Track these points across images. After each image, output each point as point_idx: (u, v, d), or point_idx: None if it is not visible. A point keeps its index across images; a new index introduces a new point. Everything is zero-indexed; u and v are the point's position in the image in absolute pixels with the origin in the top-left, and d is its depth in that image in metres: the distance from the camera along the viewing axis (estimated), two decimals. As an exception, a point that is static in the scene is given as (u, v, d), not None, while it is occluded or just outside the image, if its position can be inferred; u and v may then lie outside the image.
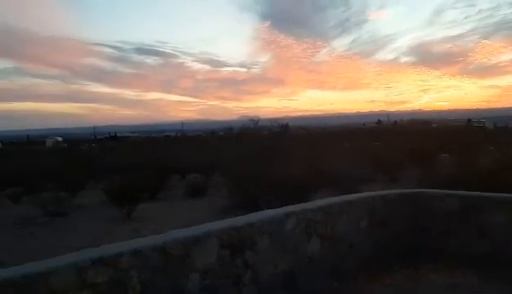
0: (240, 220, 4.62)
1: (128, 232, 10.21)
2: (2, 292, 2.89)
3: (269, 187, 11.32)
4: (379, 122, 53.56)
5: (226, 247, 4.19)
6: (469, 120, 53.87)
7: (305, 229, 5.12)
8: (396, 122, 48.96)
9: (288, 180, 11.32)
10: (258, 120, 27.10)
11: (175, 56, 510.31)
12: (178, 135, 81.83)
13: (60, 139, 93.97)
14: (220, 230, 4.22)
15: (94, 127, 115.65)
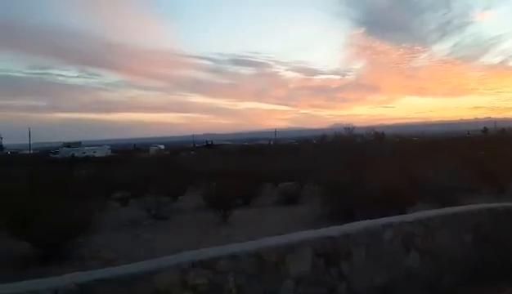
0: (335, 230, 4.57)
1: (224, 236, 10.54)
2: (111, 289, 3.16)
3: (364, 197, 11.01)
4: (485, 129, 49.74)
5: (321, 256, 4.16)
6: None
7: (403, 242, 4.91)
8: (504, 129, 44.94)
9: (384, 191, 10.93)
10: (353, 128, 26.55)
11: (268, 66, 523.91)
12: (271, 143, 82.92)
13: (162, 147, 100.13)
14: (314, 239, 4.21)
15: (193, 136, 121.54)
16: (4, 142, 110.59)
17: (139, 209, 14.07)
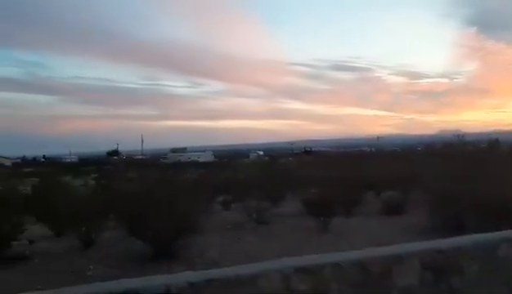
0: (445, 242, 4.31)
1: (325, 244, 10.48)
2: (218, 289, 3.32)
3: (476, 208, 10.24)
4: None
5: (429, 269, 3.96)
6: None
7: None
8: None
9: (499, 202, 10.07)
10: (463, 135, 24.81)
11: (370, 70, 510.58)
12: (373, 150, 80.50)
13: (261, 153, 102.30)
14: (422, 251, 4.01)
15: (292, 142, 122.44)
16: (119, 148, 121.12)
17: (241, 213, 14.52)
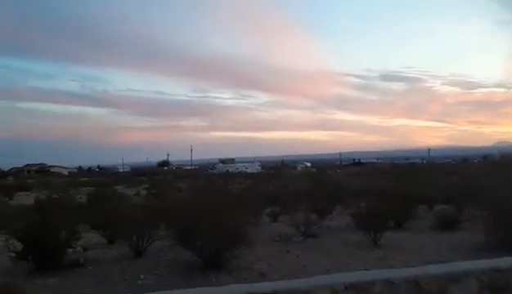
0: (505, 261, 4.11)
1: (375, 259, 10.22)
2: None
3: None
4: None
5: (487, 288, 3.78)
6: None
7: None
8: None
9: None
10: (522, 146, 23.63)
11: (422, 80, 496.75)
12: (424, 162, 78.06)
13: (308, 164, 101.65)
14: (480, 270, 3.85)
15: (340, 154, 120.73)
16: (169, 158, 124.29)
17: (288, 225, 14.43)
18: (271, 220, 18.72)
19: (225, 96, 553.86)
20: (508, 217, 10.86)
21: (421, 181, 26.31)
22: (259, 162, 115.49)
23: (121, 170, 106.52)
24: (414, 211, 17.55)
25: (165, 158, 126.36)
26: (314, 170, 70.41)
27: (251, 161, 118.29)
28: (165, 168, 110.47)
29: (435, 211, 17.91)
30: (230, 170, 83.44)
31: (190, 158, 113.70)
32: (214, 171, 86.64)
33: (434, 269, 3.82)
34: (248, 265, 9.73)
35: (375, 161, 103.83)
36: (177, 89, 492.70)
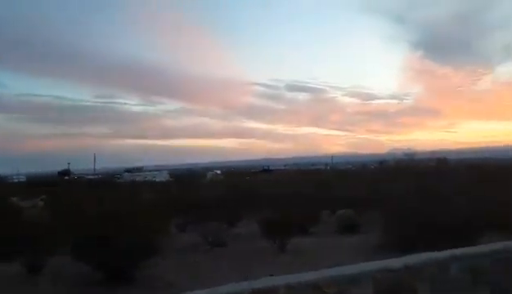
0: (397, 261, 4.38)
1: (282, 265, 10.44)
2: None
3: (428, 226, 10.55)
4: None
5: (382, 290, 4.00)
6: None
7: (472, 277, 4.62)
8: None
9: (449, 220, 10.42)
10: (413, 153, 25.78)
11: (325, 91, 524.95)
12: (328, 168, 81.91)
13: (218, 172, 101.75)
14: (375, 271, 4.05)
15: (249, 161, 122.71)
16: (71, 167, 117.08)
17: (197, 235, 14.27)
18: (179, 230, 18.38)
19: (132, 102, 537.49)
20: (400, 220, 11.72)
21: (325, 187, 27.55)
22: (168, 170, 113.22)
23: (16, 180, 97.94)
24: (318, 216, 18.32)
25: (66, 166, 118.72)
26: (223, 177, 70.59)
27: (160, 169, 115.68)
28: (66, 178, 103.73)
29: (338, 215, 18.82)
30: (137, 179, 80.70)
31: (93, 167, 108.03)
32: (120, 180, 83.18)
33: (334, 271, 3.95)
34: (155, 276, 9.44)
35: (283, 168, 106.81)
36: (79, 94, 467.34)
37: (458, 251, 4.75)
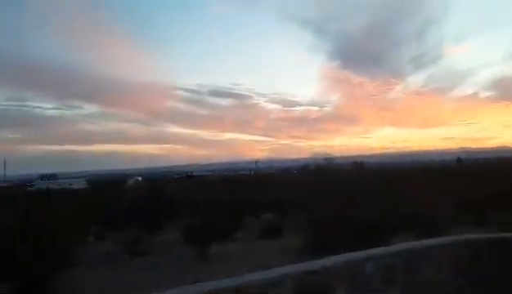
0: (316, 263, 4.46)
1: (204, 271, 10.31)
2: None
3: (346, 228, 10.96)
4: (459, 159, 50.60)
5: (302, 291, 4.05)
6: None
7: (384, 275, 4.84)
8: (477, 159, 46.12)
9: (365, 222, 10.91)
10: (332, 158, 26.84)
11: (249, 97, 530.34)
12: (252, 173, 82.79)
13: (139, 178, 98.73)
14: (295, 274, 4.10)
15: (172, 167, 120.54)
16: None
17: (116, 243, 13.70)
18: (97, 239, 17.55)
19: (47, 106, 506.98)
20: (320, 223, 12.07)
21: (249, 192, 27.75)
22: (86, 177, 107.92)
23: None
24: (242, 221, 18.39)
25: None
26: (145, 184, 68.66)
27: (77, 176, 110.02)
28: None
29: (262, 219, 19.03)
30: (51, 187, 76.01)
31: (3, 174, 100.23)
32: (32, 188, 77.84)
33: (255, 276, 3.93)
34: (71, 289, 8.90)
35: (207, 174, 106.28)
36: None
37: (372, 252, 4.95)
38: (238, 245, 14.47)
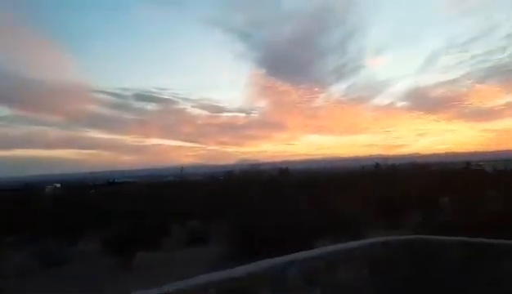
0: (240, 270, 4.54)
1: (127, 282, 10.03)
2: None
3: (270, 234, 11.18)
4: (378, 165, 53.56)
5: (226, 297, 4.10)
6: (468, 163, 53.66)
7: (306, 278, 5.04)
8: (394, 165, 49.16)
9: (289, 227, 11.21)
10: (259, 164, 27.24)
11: (175, 102, 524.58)
12: (177, 180, 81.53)
13: (58, 185, 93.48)
14: (219, 281, 4.14)
15: (91, 173, 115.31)
16: None
17: (31, 254, 12.89)
18: (12, 251, 16.37)
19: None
20: (245, 229, 12.21)
21: (174, 199, 27.37)
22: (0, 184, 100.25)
23: None
24: (167, 229, 18.08)
25: None
26: (64, 191, 65.20)
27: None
28: None
29: (187, 227, 18.84)
30: (-43, 195, 69.66)
31: None
32: None
33: (179, 285, 3.93)
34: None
35: (131, 180, 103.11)
36: None
37: (294, 256, 5.13)
38: (164, 253, 14.22)
